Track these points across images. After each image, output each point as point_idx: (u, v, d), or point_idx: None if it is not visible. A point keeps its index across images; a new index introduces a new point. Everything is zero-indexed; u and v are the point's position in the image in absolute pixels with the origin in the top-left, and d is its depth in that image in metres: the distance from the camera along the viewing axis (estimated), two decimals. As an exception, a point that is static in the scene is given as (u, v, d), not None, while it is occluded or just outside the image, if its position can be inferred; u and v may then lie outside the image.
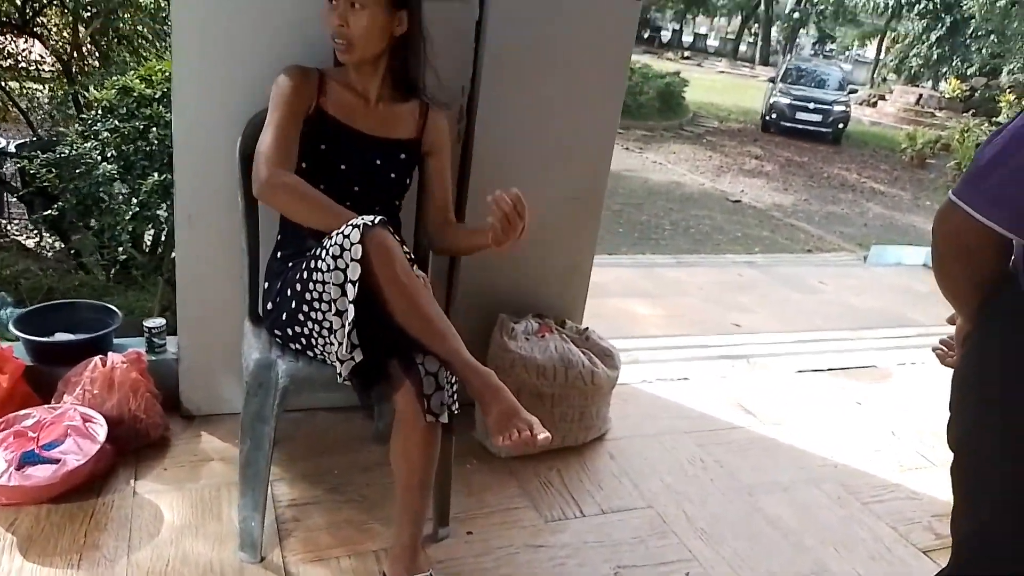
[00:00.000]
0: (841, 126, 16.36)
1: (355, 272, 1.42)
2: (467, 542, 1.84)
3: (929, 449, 2.57)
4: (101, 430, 1.84)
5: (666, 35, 38.55)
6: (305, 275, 1.53)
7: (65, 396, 1.94)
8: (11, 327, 2.07)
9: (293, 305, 1.57)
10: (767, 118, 16.61)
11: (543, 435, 1.42)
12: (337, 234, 1.46)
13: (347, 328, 1.44)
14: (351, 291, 1.43)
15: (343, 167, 1.70)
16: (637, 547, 1.91)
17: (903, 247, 6.52)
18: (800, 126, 16.04)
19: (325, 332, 1.52)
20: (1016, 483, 1.04)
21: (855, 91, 19.29)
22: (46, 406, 1.91)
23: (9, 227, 5.08)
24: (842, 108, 16.42)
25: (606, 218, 9.17)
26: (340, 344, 1.46)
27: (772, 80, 18.35)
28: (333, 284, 1.45)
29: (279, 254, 1.74)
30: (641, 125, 14.97)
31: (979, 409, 1.11)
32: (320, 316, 1.52)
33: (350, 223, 1.46)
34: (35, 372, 2.00)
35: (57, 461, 1.75)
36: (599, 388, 2.24)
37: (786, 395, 2.88)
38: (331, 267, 1.45)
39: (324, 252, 1.48)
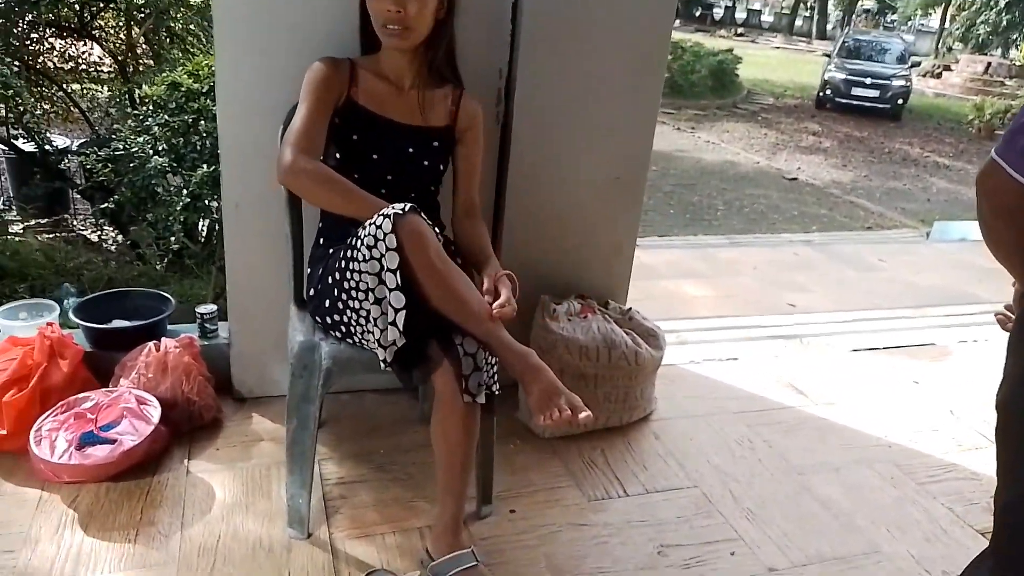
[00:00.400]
0: (900, 101, 15.56)
1: (393, 261, 1.44)
2: (510, 520, 1.85)
3: (989, 428, 2.44)
4: (155, 412, 1.91)
5: (718, 12, 37.69)
6: (343, 264, 1.56)
7: (121, 380, 2.02)
8: (71, 315, 2.16)
9: (334, 293, 1.60)
10: (821, 95, 16.00)
11: (584, 413, 1.43)
12: (370, 224, 1.48)
13: (389, 316, 1.47)
14: (391, 279, 1.45)
15: (375, 156, 1.71)
16: (681, 526, 1.89)
17: (968, 222, 6.26)
18: (856, 102, 15.36)
19: (363, 320, 1.55)
20: None
21: (917, 64, 18.15)
22: (103, 389, 1.99)
23: (74, 222, 5.30)
24: (901, 82, 15.59)
25: (657, 200, 9.07)
26: (382, 331, 1.49)
27: (828, 55, 17.64)
28: (369, 273, 1.47)
29: (321, 240, 1.78)
30: (693, 104, 14.74)
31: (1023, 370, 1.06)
32: (358, 304, 1.54)
33: (381, 212, 1.47)
34: (94, 357, 2.08)
35: (114, 441, 1.82)
36: (643, 368, 2.22)
37: (840, 374, 2.81)
38: (367, 257, 1.47)
39: (359, 242, 1.49)
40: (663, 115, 13.14)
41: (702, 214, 8.36)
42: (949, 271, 4.61)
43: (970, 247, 5.25)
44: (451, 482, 1.61)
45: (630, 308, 2.37)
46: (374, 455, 2.04)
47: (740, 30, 33.44)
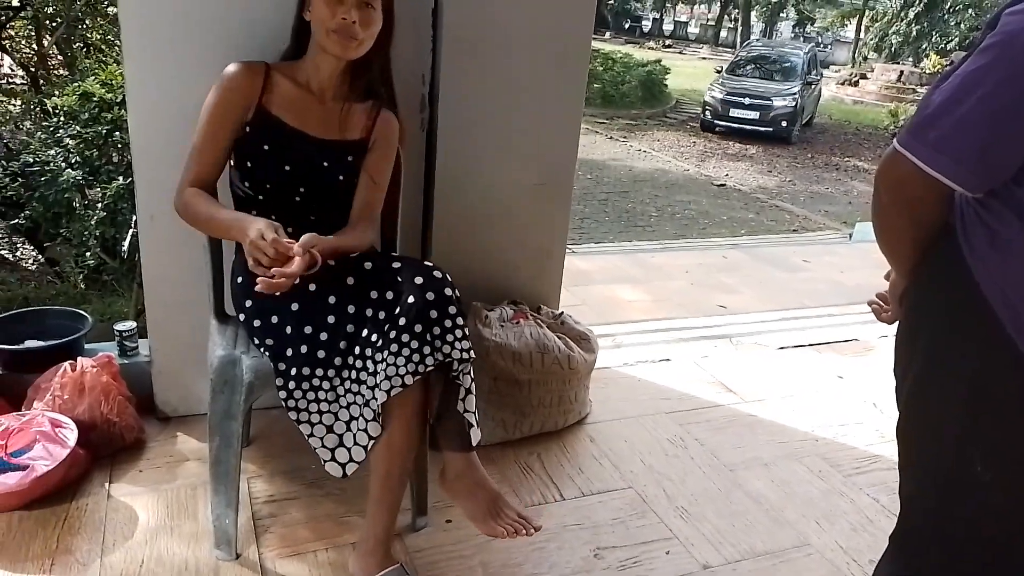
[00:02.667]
0: (785, 123, 13.65)
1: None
2: (445, 530, 1.83)
3: (910, 419, 2.57)
4: (71, 435, 1.82)
5: (647, 24, 38.59)
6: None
7: (35, 403, 1.92)
8: (-22, 337, 2.05)
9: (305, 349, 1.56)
10: (703, 117, 14.42)
11: (538, 524, 1.56)
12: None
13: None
14: None
15: (287, 168, 1.66)
16: (617, 528, 1.90)
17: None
18: (736, 125, 13.73)
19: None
20: (962, 437, 1.03)
21: (811, 82, 15.19)
22: (15, 413, 1.89)
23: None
24: (785, 102, 13.63)
25: (593, 208, 9.20)
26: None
27: (719, 70, 16.16)
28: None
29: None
30: (624, 114, 15.00)
31: (924, 366, 1.09)
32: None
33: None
34: (6, 380, 1.99)
35: (26, 467, 1.73)
36: (576, 372, 2.23)
37: (768, 372, 2.88)
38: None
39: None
40: (596, 125, 13.32)
41: (636, 221, 8.51)
42: (871, 270, 4.72)
43: (889, 246, 5.47)
44: (386, 494, 1.57)
45: (562, 312, 2.38)
46: (305, 471, 1.98)
47: (668, 42, 34.24)
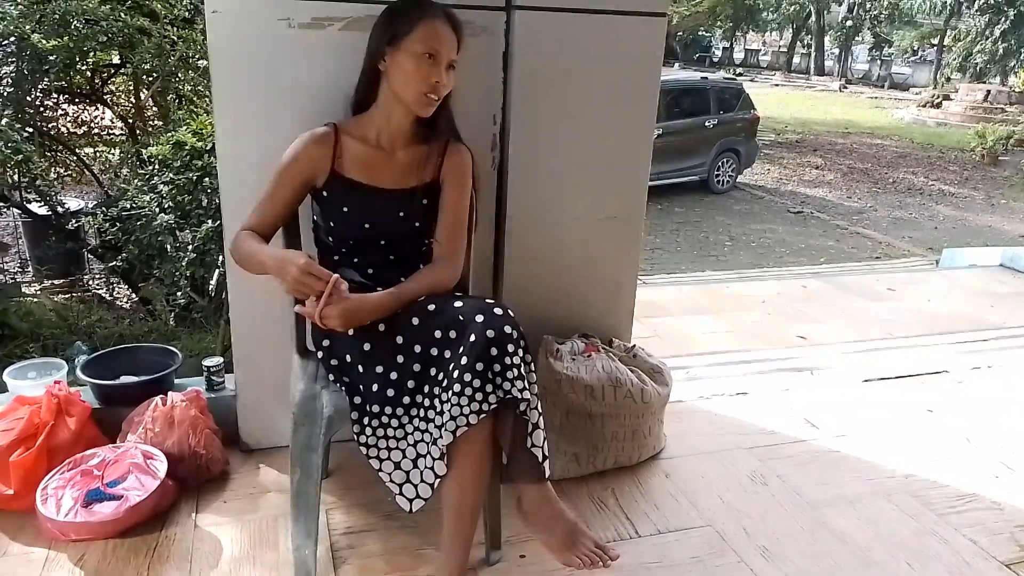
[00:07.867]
0: None
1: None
2: (519, 565, 1.82)
3: (1009, 455, 2.44)
4: (161, 466, 1.91)
5: (716, 54, 38.35)
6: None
7: (129, 435, 2.02)
8: (78, 372, 2.18)
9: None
10: None
11: (616, 555, 1.57)
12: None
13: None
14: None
15: (367, 225, 1.72)
16: (695, 567, 1.86)
17: (977, 248, 6.24)
18: None
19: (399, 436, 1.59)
20: None
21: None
22: (110, 445, 1.99)
23: (91, 281, 5.39)
24: None
25: (663, 238, 9.09)
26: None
27: None
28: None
29: None
30: (695, 144, 14.83)
31: None
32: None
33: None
34: (101, 414, 2.09)
35: (120, 497, 1.82)
36: (649, 406, 2.20)
37: (852, 405, 2.77)
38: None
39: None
40: (666, 155, 13.23)
41: (709, 250, 8.38)
42: (960, 298, 4.57)
43: (982, 272, 5.21)
44: (460, 529, 1.58)
45: (634, 345, 2.36)
46: (382, 503, 2.01)
47: (739, 70, 33.88)
